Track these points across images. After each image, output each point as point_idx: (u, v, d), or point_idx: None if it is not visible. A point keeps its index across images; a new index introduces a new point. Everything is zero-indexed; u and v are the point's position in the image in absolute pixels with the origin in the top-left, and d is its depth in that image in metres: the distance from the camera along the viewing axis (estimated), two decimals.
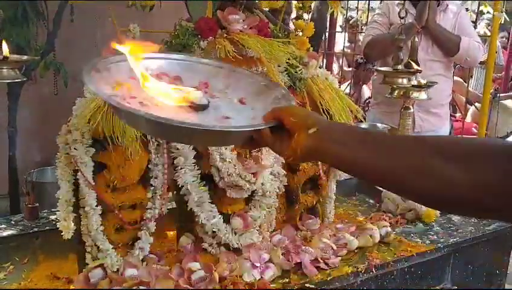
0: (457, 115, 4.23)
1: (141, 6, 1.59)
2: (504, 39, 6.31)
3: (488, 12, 5.75)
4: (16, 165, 3.24)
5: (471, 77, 5.13)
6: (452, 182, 0.70)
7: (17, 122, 3.20)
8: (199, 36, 1.34)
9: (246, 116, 0.90)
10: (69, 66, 3.10)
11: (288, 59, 1.38)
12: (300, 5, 1.79)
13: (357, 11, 4.99)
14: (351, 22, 5.01)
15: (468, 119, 4.59)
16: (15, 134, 3.22)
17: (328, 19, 3.96)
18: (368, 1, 4.28)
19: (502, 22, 5.25)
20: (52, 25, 3.16)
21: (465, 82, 4.09)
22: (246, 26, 1.38)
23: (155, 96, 0.84)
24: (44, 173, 3.08)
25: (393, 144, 0.77)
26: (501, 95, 4.41)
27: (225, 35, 1.33)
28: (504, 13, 5.03)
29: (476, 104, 4.46)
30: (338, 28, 4.69)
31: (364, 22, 4.81)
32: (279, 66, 1.42)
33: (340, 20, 4.98)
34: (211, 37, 1.34)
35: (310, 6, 1.76)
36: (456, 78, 3.98)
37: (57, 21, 3.17)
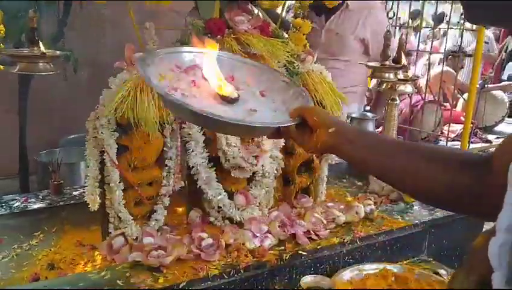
0: (447, 104, 4.40)
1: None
2: (497, 31, 6.47)
3: None
4: (25, 147, 3.38)
5: (462, 68, 5.30)
6: (433, 181, 0.86)
7: (27, 106, 3.34)
8: (209, 35, 1.50)
9: (268, 108, 1.02)
10: (77, 54, 3.24)
11: (287, 56, 1.56)
12: (299, 4, 1.96)
13: None
14: None
15: (459, 108, 4.76)
16: (25, 117, 3.35)
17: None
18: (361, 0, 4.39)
19: None
20: (62, 12, 3.28)
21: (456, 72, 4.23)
22: (250, 27, 1.55)
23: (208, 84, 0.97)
24: (53, 153, 3.21)
25: (392, 148, 0.95)
26: (489, 86, 4.57)
27: (232, 34, 1.51)
28: None
29: (465, 94, 4.62)
30: None
31: None
32: (278, 62, 1.59)
33: None
34: (219, 36, 1.51)
35: (308, 6, 1.92)
36: (446, 68, 4.15)
37: (67, 8, 3.29)
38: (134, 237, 1.46)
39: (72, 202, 1.75)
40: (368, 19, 2.88)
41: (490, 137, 4.24)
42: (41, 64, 1.48)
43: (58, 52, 1.55)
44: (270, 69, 1.16)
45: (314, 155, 1.76)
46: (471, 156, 0.90)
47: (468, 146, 2.88)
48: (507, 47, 5.74)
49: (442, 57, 3.99)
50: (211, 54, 1.03)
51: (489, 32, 5.82)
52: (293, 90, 1.07)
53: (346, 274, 1.50)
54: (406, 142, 0.99)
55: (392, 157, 0.93)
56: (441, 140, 3.81)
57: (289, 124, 0.98)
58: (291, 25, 1.84)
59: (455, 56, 4.39)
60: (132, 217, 1.47)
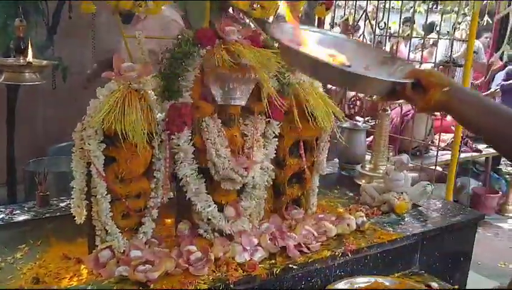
0: (437, 114, 4.41)
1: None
2: (488, 39, 6.53)
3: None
4: (14, 156, 3.34)
5: (453, 77, 5.34)
6: None
7: (15, 114, 3.30)
8: (199, 45, 1.49)
9: (384, 74, 1.12)
10: (66, 61, 3.21)
11: (278, 67, 1.54)
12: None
13: (345, 10, 5.12)
14: (339, 21, 5.14)
15: (449, 117, 4.79)
16: (13, 126, 3.31)
17: (316, 21, 4.09)
18: (355, 1, 4.40)
19: (485, 24, 5.45)
20: (52, 21, 3.26)
21: None
22: (240, 37, 1.53)
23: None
24: (42, 162, 3.17)
25: (497, 108, 1.05)
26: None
27: (222, 45, 1.49)
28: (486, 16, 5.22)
29: None
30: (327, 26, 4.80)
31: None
32: (269, 72, 1.58)
33: (328, 18, 5.09)
34: (209, 46, 1.49)
35: (299, 16, 1.91)
36: None
37: (56, 17, 3.27)
38: (122, 250, 1.43)
39: (58, 213, 1.71)
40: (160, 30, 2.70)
41: (480, 146, 4.25)
42: (27, 73, 1.46)
43: (45, 62, 1.52)
44: (373, 47, 1.29)
45: (305, 166, 1.74)
46: None
47: (459, 155, 2.88)
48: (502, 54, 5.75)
49: (433, 66, 4.01)
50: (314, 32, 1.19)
51: (477, 42, 5.87)
52: (398, 64, 1.17)
53: (338, 288, 1.48)
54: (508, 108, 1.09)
55: (498, 116, 1.02)
56: (431, 149, 3.82)
57: (406, 81, 1.07)
58: None
59: (446, 66, 4.42)
60: (119, 230, 1.44)
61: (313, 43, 1.16)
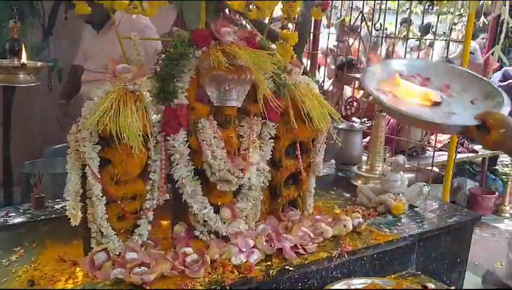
0: None
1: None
2: (484, 40, 6.55)
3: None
4: (10, 158, 3.33)
5: None
6: None
7: (11, 116, 3.29)
8: (194, 46, 1.48)
9: (469, 113, 1.23)
10: (62, 62, 3.20)
11: (274, 68, 1.54)
12: (286, 16, 1.95)
13: (341, 11, 5.13)
14: (335, 22, 5.14)
15: None
16: (9, 128, 3.31)
17: (313, 20, 4.08)
18: (351, 1, 4.40)
19: (481, 25, 5.46)
20: (48, 22, 3.25)
21: None
22: (236, 38, 1.53)
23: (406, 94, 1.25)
24: (37, 164, 3.16)
25: None
26: None
27: (218, 46, 1.48)
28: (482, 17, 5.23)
29: None
30: (323, 28, 4.80)
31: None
32: (265, 73, 1.58)
33: (324, 19, 5.10)
34: (205, 48, 1.49)
35: (295, 17, 1.91)
36: None
37: (52, 18, 3.26)
38: (117, 253, 1.42)
39: (53, 216, 1.71)
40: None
41: (477, 147, 4.26)
42: (21, 75, 1.45)
43: (39, 63, 1.52)
44: (480, 78, 1.38)
45: (301, 168, 1.74)
46: None
47: (455, 156, 2.88)
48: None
49: None
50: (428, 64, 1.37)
51: (474, 43, 5.89)
52: (498, 99, 1.28)
53: (335, 289, 1.48)
54: None
55: None
56: (428, 150, 3.83)
57: (469, 125, 1.20)
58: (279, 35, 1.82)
59: None
60: (115, 232, 1.43)
61: (405, 83, 1.32)
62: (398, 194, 1.96)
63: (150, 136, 1.41)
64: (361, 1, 3.76)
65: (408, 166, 2.48)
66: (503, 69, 5.53)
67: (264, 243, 1.50)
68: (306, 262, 1.50)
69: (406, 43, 3.98)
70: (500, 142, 1.22)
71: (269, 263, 1.47)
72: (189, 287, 1.29)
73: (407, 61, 1.40)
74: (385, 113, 1.99)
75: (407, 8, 4.73)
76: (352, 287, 1.50)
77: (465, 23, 2.98)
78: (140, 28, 2.53)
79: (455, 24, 5.78)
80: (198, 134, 1.49)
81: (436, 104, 1.25)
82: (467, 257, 2.03)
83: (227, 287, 1.33)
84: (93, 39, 2.81)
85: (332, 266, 1.56)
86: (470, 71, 1.44)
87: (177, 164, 1.48)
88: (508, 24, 3.03)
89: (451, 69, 1.42)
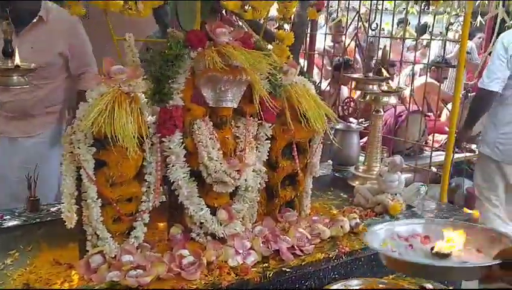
0: (431, 114, 4.43)
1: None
2: (481, 40, 6.57)
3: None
4: None
5: (446, 78, 5.35)
6: None
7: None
8: (189, 47, 1.48)
9: (482, 259, 1.18)
10: None
11: (270, 69, 1.53)
12: (282, 16, 1.94)
13: (337, 12, 5.13)
14: (331, 23, 5.14)
15: (443, 118, 4.80)
16: None
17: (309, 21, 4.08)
18: (348, 1, 4.40)
19: (478, 25, 5.46)
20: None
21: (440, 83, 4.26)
22: (231, 39, 1.52)
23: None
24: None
25: None
26: (471, 94, 4.61)
27: (213, 47, 1.48)
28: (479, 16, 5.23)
29: (449, 105, 4.66)
30: (322, 28, 4.80)
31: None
32: (260, 74, 1.57)
33: (321, 19, 5.09)
34: (200, 48, 1.48)
35: (290, 17, 1.91)
36: (429, 79, 4.18)
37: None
38: (113, 255, 1.41)
39: (48, 218, 1.70)
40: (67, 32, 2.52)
41: (474, 147, 4.26)
42: (14, 77, 1.44)
43: (33, 65, 1.50)
44: (483, 227, 1.35)
45: (298, 168, 1.73)
46: None
47: (453, 156, 2.88)
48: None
49: (425, 67, 4.01)
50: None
51: (470, 43, 5.90)
52: (506, 242, 1.21)
53: None
54: None
55: None
56: (425, 150, 3.82)
57: (486, 264, 1.12)
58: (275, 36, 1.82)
59: (438, 67, 4.43)
60: (110, 235, 1.43)
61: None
62: (396, 194, 1.96)
63: (145, 137, 1.40)
64: (358, 1, 3.77)
65: (405, 166, 2.48)
66: None
67: (261, 245, 1.50)
68: (303, 263, 1.49)
69: (403, 44, 3.98)
70: None
71: (266, 264, 1.46)
72: None
73: (405, 223, 1.34)
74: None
75: (404, 8, 4.74)
76: (350, 288, 1.49)
77: (462, 23, 2.98)
78: (72, 25, 2.47)
79: (452, 24, 5.79)
80: (194, 135, 1.49)
81: (444, 256, 1.18)
82: None
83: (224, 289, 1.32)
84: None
85: (330, 267, 1.55)
86: (467, 223, 1.42)
87: (172, 166, 1.47)
88: (505, 23, 3.04)
89: (450, 223, 1.36)
